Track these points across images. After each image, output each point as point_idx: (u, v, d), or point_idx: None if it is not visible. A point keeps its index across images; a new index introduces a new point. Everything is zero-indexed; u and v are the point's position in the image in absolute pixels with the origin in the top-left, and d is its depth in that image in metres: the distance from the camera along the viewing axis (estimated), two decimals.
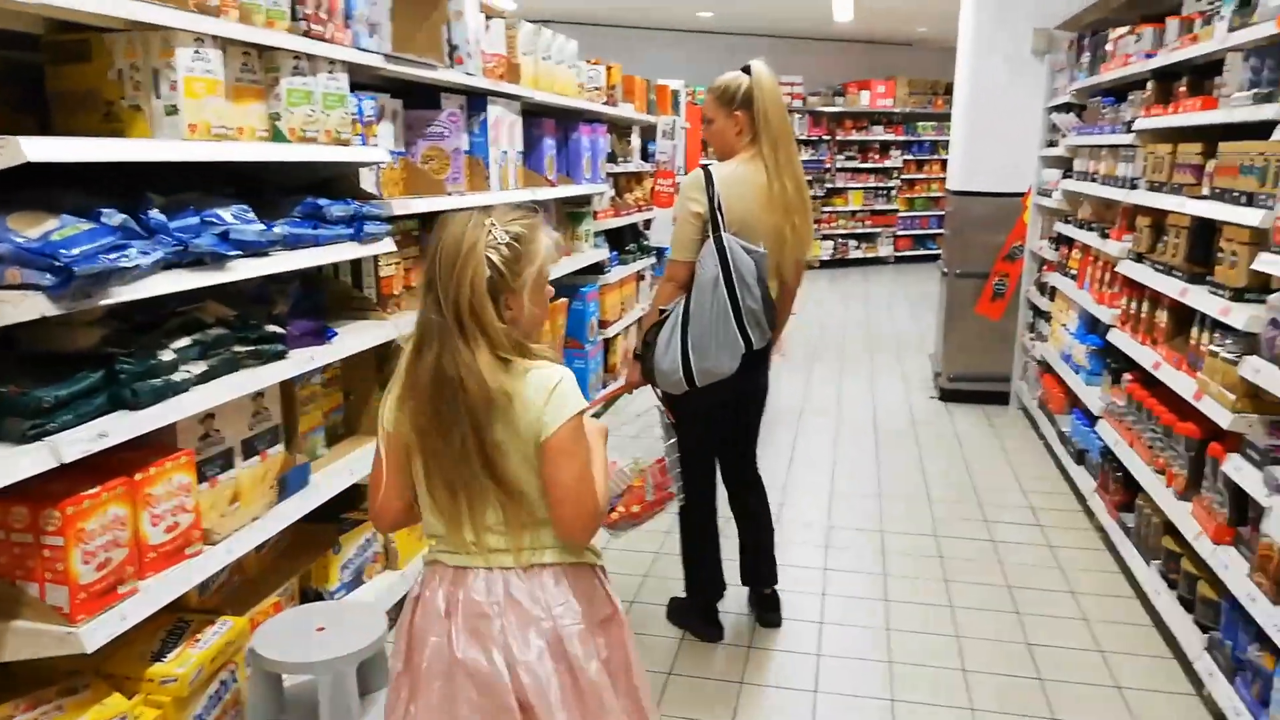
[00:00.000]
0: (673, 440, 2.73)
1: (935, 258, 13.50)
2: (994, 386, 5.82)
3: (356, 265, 2.97)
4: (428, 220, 3.27)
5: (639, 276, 6.48)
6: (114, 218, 1.88)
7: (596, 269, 5.47)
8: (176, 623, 2.32)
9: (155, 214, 2.00)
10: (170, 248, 1.97)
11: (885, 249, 13.70)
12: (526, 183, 3.97)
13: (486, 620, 1.59)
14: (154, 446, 2.11)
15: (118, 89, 2.05)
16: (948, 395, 5.94)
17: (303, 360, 2.47)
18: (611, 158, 5.70)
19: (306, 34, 2.41)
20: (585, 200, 5.13)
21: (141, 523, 2.02)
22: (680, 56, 11.84)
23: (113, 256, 1.79)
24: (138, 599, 1.99)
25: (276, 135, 2.37)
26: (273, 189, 2.57)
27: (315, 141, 2.47)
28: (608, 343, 5.76)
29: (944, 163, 13.67)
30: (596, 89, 5.16)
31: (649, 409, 2.99)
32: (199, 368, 2.13)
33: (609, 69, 5.48)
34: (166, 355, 2.05)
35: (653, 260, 6.79)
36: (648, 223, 6.82)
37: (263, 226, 2.27)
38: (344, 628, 2.29)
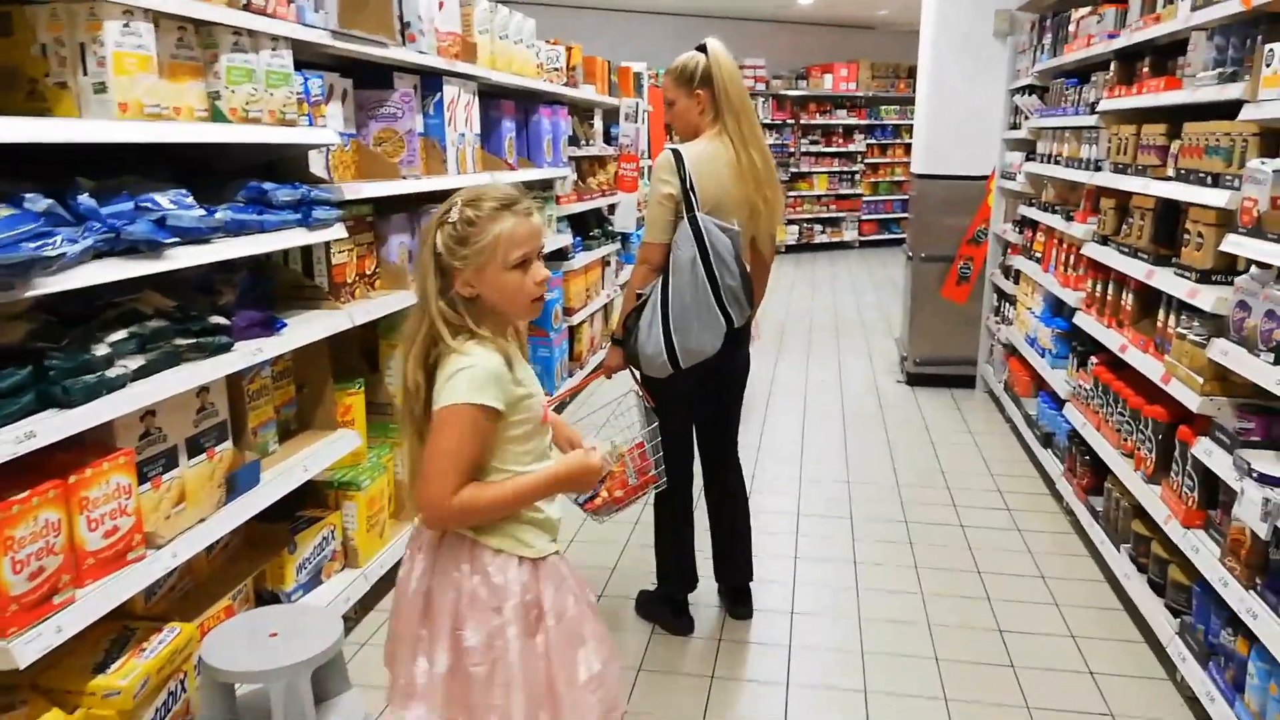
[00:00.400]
0: (654, 425, 2.75)
1: (900, 241, 13.54)
2: (960, 370, 5.82)
3: (307, 252, 2.85)
4: (382, 204, 3.16)
5: (604, 262, 6.39)
6: (38, 203, 1.76)
7: (560, 255, 5.38)
8: (121, 631, 2.21)
9: (85, 199, 1.88)
10: (101, 235, 1.86)
11: (850, 233, 13.72)
12: (485, 166, 3.86)
13: (411, 569, 1.76)
14: (90, 446, 2.00)
15: (42, 65, 1.92)
16: (914, 379, 5.93)
17: (249, 353, 2.36)
18: (573, 141, 5.60)
19: (246, 8, 2.29)
20: (547, 184, 5.02)
21: (77, 528, 1.90)
22: (642, 39, 11.71)
23: (36, 245, 1.67)
24: (75, 609, 1.88)
25: (216, 115, 2.25)
26: (216, 173, 2.44)
27: (259, 122, 2.36)
28: (573, 330, 5.67)
29: (907, 146, 13.71)
30: (556, 70, 5.05)
31: (620, 395, 2.93)
32: (136, 362, 2.02)
33: (569, 50, 5.37)
34: (100, 349, 1.94)
35: (618, 245, 6.71)
36: (612, 207, 6.73)
37: (203, 212, 2.15)
38: (298, 633, 2.19)
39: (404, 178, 3.08)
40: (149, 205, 2.03)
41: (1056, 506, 3.96)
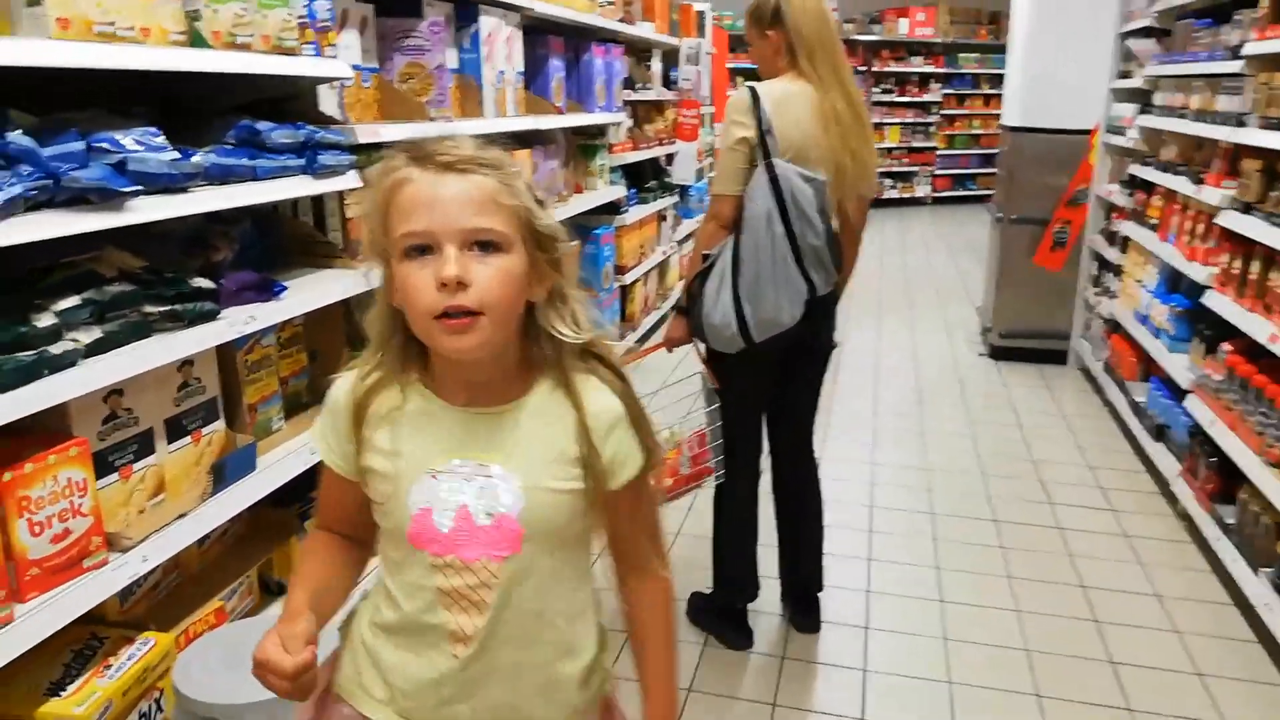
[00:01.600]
0: (715, 407, 2.48)
1: (976, 199, 12.81)
2: (1050, 344, 5.29)
3: (319, 204, 2.48)
4: None
5: (660, 217, 5.95)
6: None
7: (612, 209, 4.95)
8: (88, 640, 1.91)
9: (17, 137, 1.52)
10: (35, 182, 1.50)
11: (923, 189, 13.00)
12: (529, 109, 3.45)
13: None
14: (39, 434, 1.67)
15: None
16: (998, 352, 5.41)
17: (239, 321, 2.00)
18: (629, 84, 5.13)
19: None
20: (599, 131, 4.58)
21: (15, 533, 1.58)
22: None
23: None
24: (12, 630, 1.56)
25: (196, 39, 1.87)
26: (202, 113, 2.07)
27: (248, 49, 1.97)
28: (625, 290, 5.27)
29: (987, 97, 12.90)
30: (610, 4, 4.57)
31: (679, 371, 2.58)
32: (91, 335, 1.67)
33: None
34: (44, 320, 1.60)
35: (675, 199, 6.26)
36: (670, 157, 6.27)
37: (177, 155, 1.79)
38: None
39: (432, 119, 2.69)
40: (106, 146, 1.67)
41: (1169, 509, 3.47)
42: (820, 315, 2.41)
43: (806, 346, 2.47)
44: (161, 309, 1.82)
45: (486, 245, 1.01)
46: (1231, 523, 2.91)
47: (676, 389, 2.59)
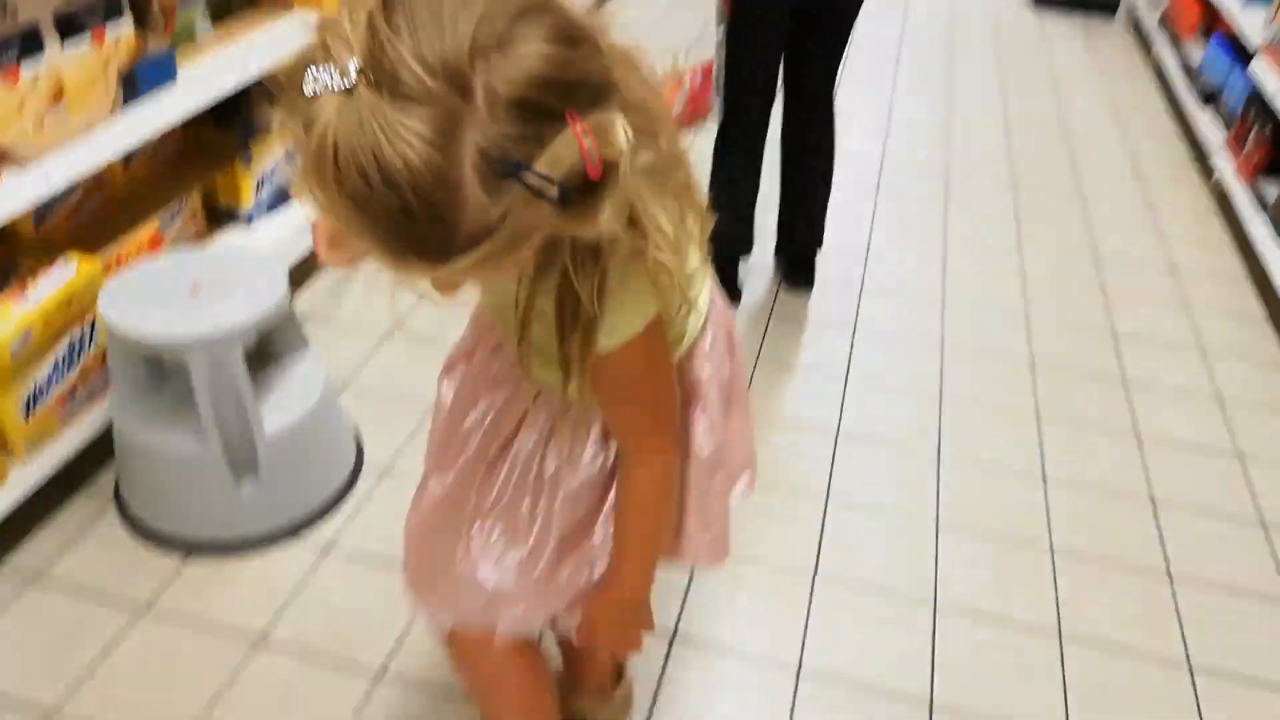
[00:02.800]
0: (721, 40, 2.15)
1: None
2: None
3: None
4: None
5: None
6: None
7: None
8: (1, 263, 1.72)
9: None
10: None
11: None
12: None
13: None
14: None
15: None
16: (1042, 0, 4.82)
17: None
18: None
19: None
20: None
21: None
22: None
23: None
24: None
25: None
26: None
27: None
28: None
29: None
30: None
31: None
32: None
33: None
34: None
35: None
36: None
37: None
38: (230, 289, 1.68)
39: None
40: None
41: (1200, 181, 3.21)
42: None
43: None
44: None
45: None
46: (1272, 200, 2.66)
47: (685, 13, 2.21)
